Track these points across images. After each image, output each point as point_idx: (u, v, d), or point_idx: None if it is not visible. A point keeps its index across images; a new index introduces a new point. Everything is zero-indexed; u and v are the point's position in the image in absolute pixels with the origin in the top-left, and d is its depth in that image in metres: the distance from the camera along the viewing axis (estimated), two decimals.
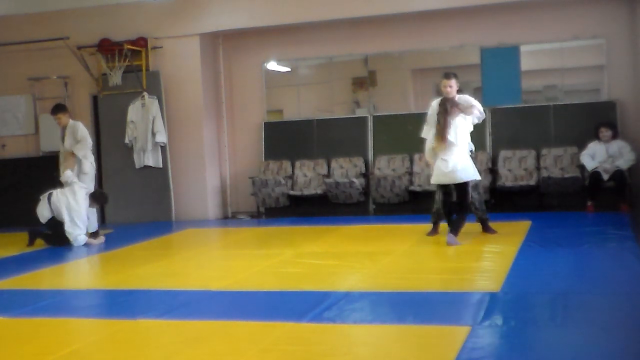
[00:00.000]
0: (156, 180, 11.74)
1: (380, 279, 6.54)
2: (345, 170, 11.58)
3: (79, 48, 11.79)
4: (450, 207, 8.03)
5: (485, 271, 6.75)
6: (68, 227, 9.18)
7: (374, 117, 11.70)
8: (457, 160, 7.78)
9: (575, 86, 11.55)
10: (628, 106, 10.65)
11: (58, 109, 10.16)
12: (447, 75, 7.95)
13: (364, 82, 12.04)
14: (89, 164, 9.90)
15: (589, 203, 10.09)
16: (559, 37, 10.97)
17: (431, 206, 8.72)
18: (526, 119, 11.07)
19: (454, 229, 7.92)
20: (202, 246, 9.42)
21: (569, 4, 10.86)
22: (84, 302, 6.15)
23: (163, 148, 11.73)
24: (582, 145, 10.42)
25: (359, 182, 11.15)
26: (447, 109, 7.78)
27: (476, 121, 8.07)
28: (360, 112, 11.98)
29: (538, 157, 10.84)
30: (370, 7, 11.06)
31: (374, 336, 4.86)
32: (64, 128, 10.09)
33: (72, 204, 9.23)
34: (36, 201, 9.45)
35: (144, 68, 11.76)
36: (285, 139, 12.06)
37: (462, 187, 7.87)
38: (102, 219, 11.50)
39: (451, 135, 7.74)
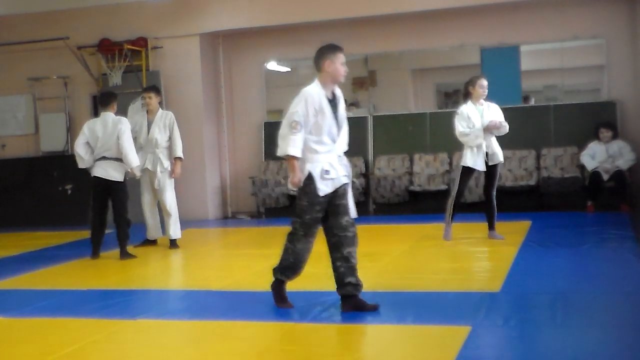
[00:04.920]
0: None
1: (380, 279, 6.53)
2: None
3: (79, 48, 11.80)
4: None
5: (485, 271, 6.76)
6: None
7: (374, 117, 11.69)
8: None
9: (575, 86, 11.56)
10: (628, 106, 10.65)
11: (152, 88, 9.19)
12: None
13: (364, 82, 12.04)
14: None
15: (589, 203, 10.09)
16: (559, 37, 10.97)
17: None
18: (526, 119, 11.07)
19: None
20: (202, 246, 9.42)
21: (569, 4, 10.85)
22: (84, 302, 6.15)
23: None
24: (582, 145, 10.42)
25: (359, 182, 11.15)
26: None
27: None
28: (360, 112, 11.98)
29: (538, 157, 10.84)
30: (370, 7, 11.05)
31: (374, 336, 4.87)
32: (148, 114, 9.03)
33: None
34: (35, 201, 9.39)
35: (144, 68, 11.76)
36: None
37: None
38: None
39: None
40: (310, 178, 5.24)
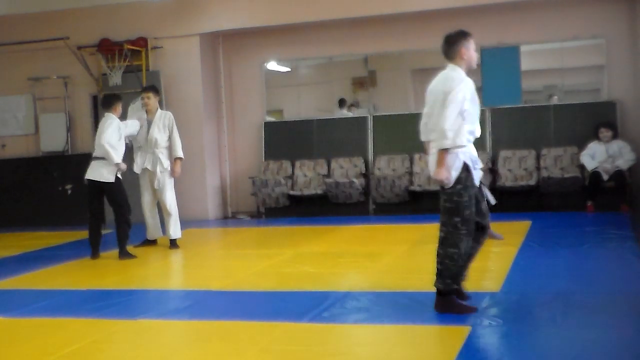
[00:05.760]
0: None
1: (380, 279, 6.54)
2: (345, 170, 11.58)
3: (79, 48, 11.80)
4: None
5: (485, 271, 6.75)
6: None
7: (374, 117, 11.69)
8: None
9: (575, 86, 11.56)
10: (628, 106, 10.66)
11: (150, 88, 9.14)
12: None
13: (364, 82, 12.04)
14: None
15: (589, 203, 10.09)
16: (559, 37, 10.97)
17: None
18: (526, 119, 11.07)
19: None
20: (202, 246, 9.42)
21: (569, 4, 10.86)
22: (84, 302, 6.15)
23: None
24: (582, 145, 10.42)
25: (359, 182, 11.15)
26: None
27: None
28: (360, 112, 11.99)
29: (538, 157, 10.84)
30: (370, 7, 11.06)
31: (374, 336, 4.86)
32: (146, 114, 8.99)
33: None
34: (35, 201, 9.37)
35: (144, 68, 11.76)
36: (285, 139, 12.05)
37: None
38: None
39: None
40: (467, 169, 4.92)
